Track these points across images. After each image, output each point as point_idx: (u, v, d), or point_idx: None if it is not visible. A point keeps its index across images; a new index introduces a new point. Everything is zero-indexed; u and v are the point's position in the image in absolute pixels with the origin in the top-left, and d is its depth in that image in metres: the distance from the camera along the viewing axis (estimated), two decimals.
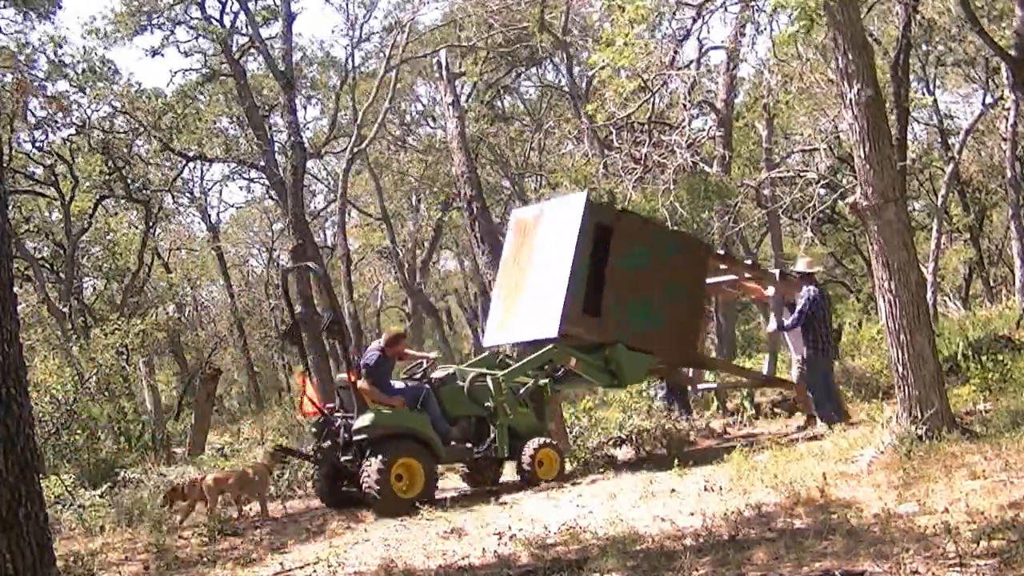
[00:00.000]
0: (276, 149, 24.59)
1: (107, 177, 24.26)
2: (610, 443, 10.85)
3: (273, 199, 29.05)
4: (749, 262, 12.59)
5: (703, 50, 19.77)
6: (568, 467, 10.21)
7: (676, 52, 15.47)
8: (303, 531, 9.02)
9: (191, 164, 28.25)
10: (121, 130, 24.22)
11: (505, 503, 8.93)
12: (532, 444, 9.65)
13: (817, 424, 10.66)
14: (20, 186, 23.48)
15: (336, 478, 9.80)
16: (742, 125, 21.31)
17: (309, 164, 25.88)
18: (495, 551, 7.00)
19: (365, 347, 16.93)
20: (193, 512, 9.92)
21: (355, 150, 24.03)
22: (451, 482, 10.81)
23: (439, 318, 36.08)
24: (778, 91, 16.97)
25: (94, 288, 29.01)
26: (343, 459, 9.44)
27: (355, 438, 9.29)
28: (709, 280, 11.39)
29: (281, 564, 7.73)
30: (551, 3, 20.21)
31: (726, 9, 14.79)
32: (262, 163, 23.23)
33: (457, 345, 39.85)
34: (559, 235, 9.95)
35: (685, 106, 15.40)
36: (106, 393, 16.77)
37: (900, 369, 8.09)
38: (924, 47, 20.07)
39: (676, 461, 9.27)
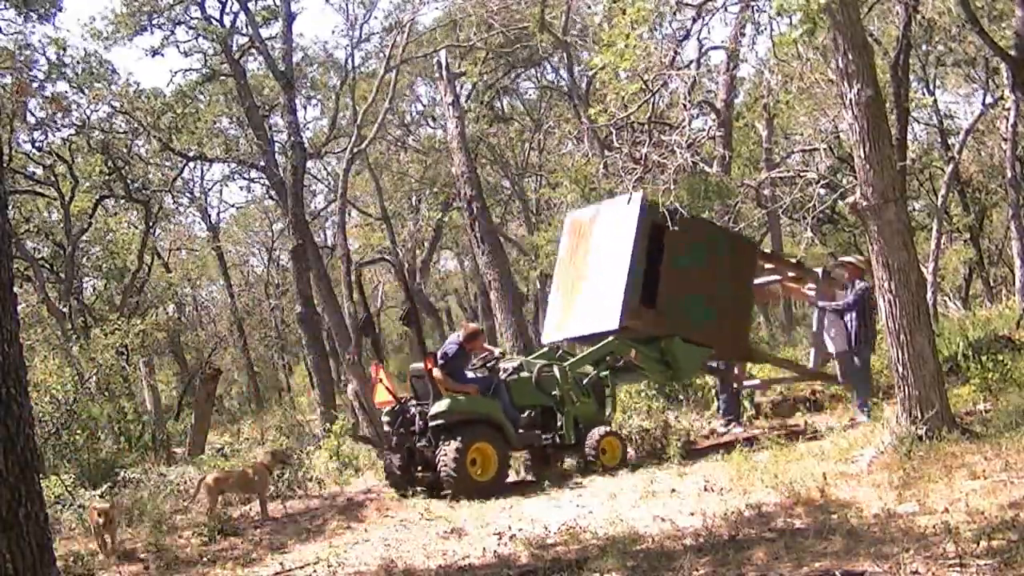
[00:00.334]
0: (276, 149, 24.57)
1: (107, 177, 24.23)
2: None
3: (273, 199, 29.04)
4: (794, 261, 12.84)
5: (703, 50, 19.77)
6: (566, 466, 10.26)
7: (676, 52, 15.44)
8: (303, 531, 9.02)
9: (191, 164, 28.24)
10: (121, 130, 24.18)
11: (505, 503, 8.94)
12: (596, 432, 10.01)
13: (859, 417, 10.70)
14: (20, 186, 23.44)
15: (409, 464, 10.08)
16: (742, 125, 21.30)
17: (309, 164, 25.86)
18: (495, 551, 7.01)
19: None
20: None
21: (355, 150, 24.01)
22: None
23: (439, 318, 36.08)
24: (778, 91, 16.96)
25: (94, 288, 28.98)
26: (419, 445, 9.84)
27: (431, 423, 9.70)
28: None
29: (281, 564, 7.73)
30: (551, 3, 20.21)
31: (726, 9, 14.76)
32: (262, 163, 23.21)
33: None
34: (616, 234, 10.43)
35: (685, 106, 15.36)
36: (106, 393, 16.77)
37: (900, 369, 8.09)
38: (924, 47, 20.04)
39: (676, 461, 9.29)
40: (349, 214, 30.47)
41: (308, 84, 28.23)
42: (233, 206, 39.66)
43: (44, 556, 4.70)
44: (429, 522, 8.43)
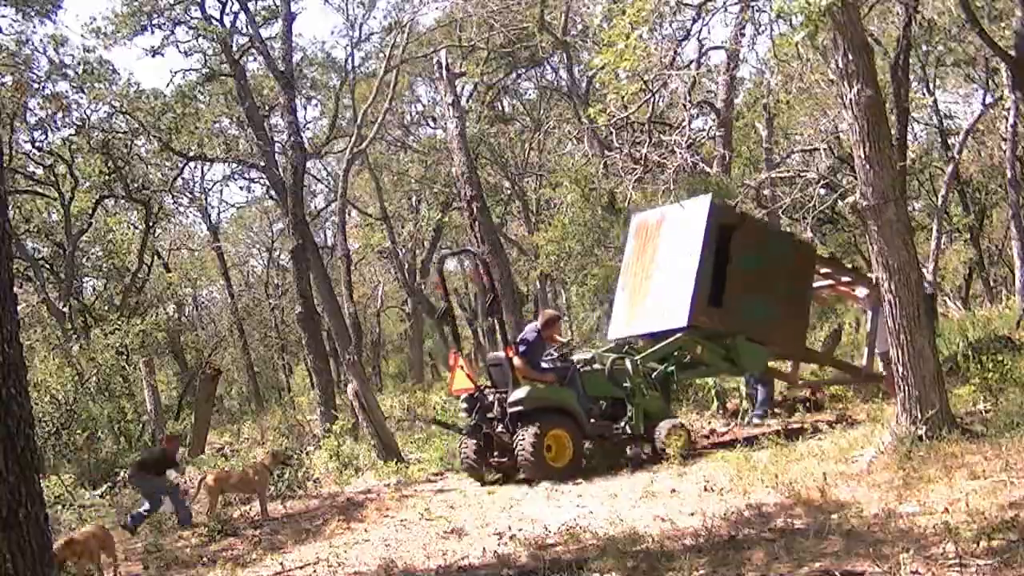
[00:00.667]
0: (276, 149, 24.56)
1: (107, 177, 24.24)
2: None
3: (273, 199, 29.01)
4: (848, 266, 13.07)
5: (703, 50, 19.77)
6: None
7: (676, 53, 15.44)
8: (302, 531, 9.02)
9: (191, 164, 28.22)
10: (121, 130, 24.18)
11: (505, 503, 8.94)
12: (665, 424, 10.27)
13: None
14: (20, 186, 23.46)
15: (485, 450, 10.35)
16: (742, 125, 21.31)
17: (309, 164, 25.85)
18: (495, 551, 7.00)
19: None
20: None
21: (355, 150, 24.02)
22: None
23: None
24: (778, 91, 16.97)
25: (94, 288, 28.99)
26: (497, 431, 10.12)
27: (510, 410, 10.00)
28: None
29: (281, 564, 7.73)
30: (551, 3, 20.21)
31: (726, 10, 14.76)
32: (262, 163, 23.18)
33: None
34: (685, 235, 10.74)
35: (685, 106, 15.38)
36: (106, 393, 16.78)
37: (900, 369, 8.09)
38: (924, 47, 20.02)
39: (676, 461, 9.28)
40: (349, 214, 30.48)
41: (308, 84, 28.23)
42: (233, 206, 39.66)
43: (44, 556, 4.70)
44: (429, 522, 8.43)
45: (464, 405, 10.62)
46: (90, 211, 24.71)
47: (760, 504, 7.16)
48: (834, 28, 8.10)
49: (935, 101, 23.17)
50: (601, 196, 19.34)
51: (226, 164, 28.46)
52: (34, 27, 24.32)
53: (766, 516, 6.86)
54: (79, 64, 21.84)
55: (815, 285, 12.34)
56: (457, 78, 19.49)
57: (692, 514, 7.23)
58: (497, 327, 10.88)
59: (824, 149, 17.79)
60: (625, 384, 10.51)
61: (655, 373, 10.77)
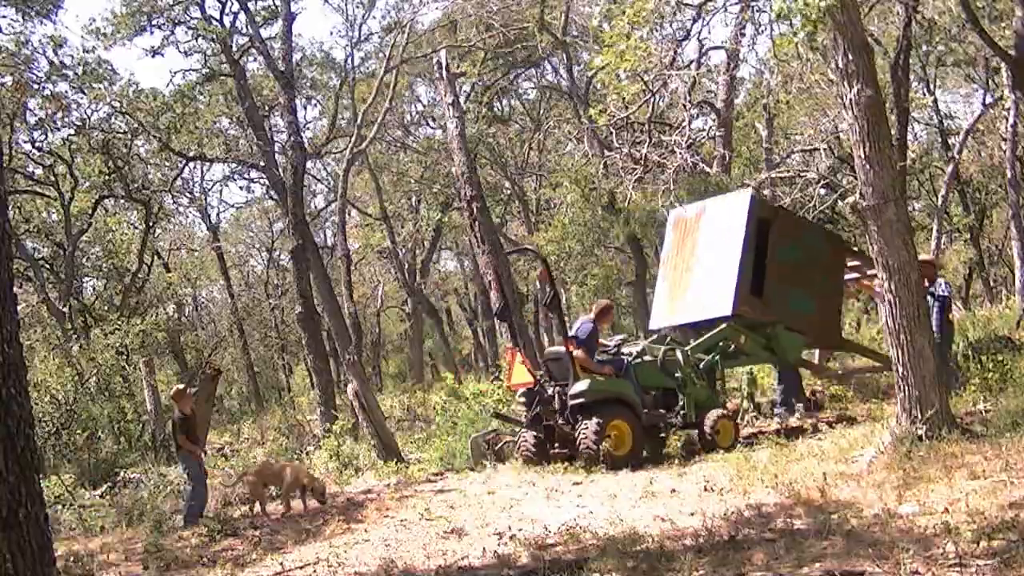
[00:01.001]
0: (276, 149, 24.56)
1: (107, 177, 24.24)
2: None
3: (273, 199, 29.03)
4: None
5: (703, 50, 19.75)
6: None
7: (676, 53, 15.46)
8: (302, 531, 9.01)
9: (191, 164, 28.24)
10: (121, 130, 24.18)
11: (505, 503, 8.93)
12: (713, 414, 10.53)
13: None
14: (20, 186, 23.46)
15: (545, 442, 10.54)
16: (742, 125, 21.30)
17: (309, 164, 25.87)
18: (495, 551, 7.00)
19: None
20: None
21: (355, 150, 24.03)
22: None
23: (439, 318, 36.07)
24: (778, 91, 16.97)
25: (94, 288, 28.99)
26: (559, 423, 10.32)
27: (571, 402, 10.25)
28: None
29: (281, 564, 7.72)
30: (551, 3, 20.21)
31: (726, 10, 14.78)
32: (262, 163, 23.20)
33: (457, 345, 39.85)
34: (726, 227, 11.01)
35: (685, 106, 15.41)
36: (106, 393, 16.78)
37: (900, 369, 8.08)
38: (924, 47, 20.03)
39: (676, 461, 9.28)
40: (349, 214, 30.49)
41: (308, 84, 28.23)
42: (233, 206, 39.69)
43: (44, 556, 4.70)
44: (429, 522, 8.43)
45: (523, 399, 10.94)
46: (90, 211, 24.70)
47: (760, 504, 7.16)
48: (834, 28, 8.10)
49: (935, 101, 23.19)
50: (601, 196, 19.36)
51: (226, 164, 28.48)
52: (34, 27, 24.33)
53: (766, 516, 6.86)
54: (79, 64, 21.83)
55: (847, 277, 12.57)
56: (457, 78, 19.49)
57: (692, 514, 7.23)
58: (556, 323, 10.83)
59: (824, 149, 17.80)
60: (676, 374, 10.79)
61: (702, 363, 11.06)
